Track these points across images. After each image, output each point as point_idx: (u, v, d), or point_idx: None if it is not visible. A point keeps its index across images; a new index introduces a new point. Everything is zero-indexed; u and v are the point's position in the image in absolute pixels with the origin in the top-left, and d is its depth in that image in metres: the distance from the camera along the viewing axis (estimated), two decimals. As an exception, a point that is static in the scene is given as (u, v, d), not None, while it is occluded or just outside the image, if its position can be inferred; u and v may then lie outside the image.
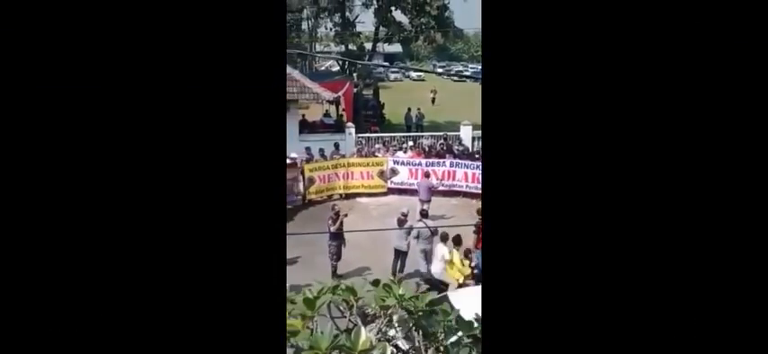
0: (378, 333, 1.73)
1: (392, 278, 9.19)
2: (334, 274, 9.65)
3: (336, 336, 1.47)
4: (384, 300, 1.78)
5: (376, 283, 1.91)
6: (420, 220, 9.98)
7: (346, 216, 10.18)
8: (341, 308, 1.86)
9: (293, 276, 9.63)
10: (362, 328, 1.51)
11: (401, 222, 9.79)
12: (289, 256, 10.07)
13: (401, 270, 9.76)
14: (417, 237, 9.62)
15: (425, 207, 11.40)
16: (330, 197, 14.01)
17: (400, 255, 9.80)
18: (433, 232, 9.62)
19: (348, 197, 14.20)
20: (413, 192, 13.39)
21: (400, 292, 1.80)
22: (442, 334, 1.76)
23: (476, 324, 1.78)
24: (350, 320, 1.81)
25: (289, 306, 1.71)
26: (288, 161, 13.57)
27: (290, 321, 1.61)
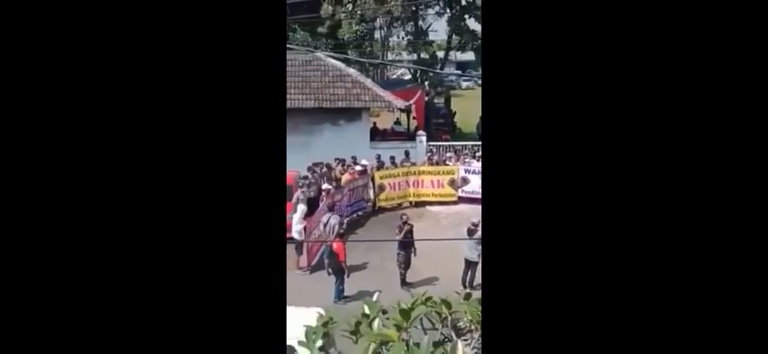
0: (473, 348, 1.69)
1: (462, 288, 9.11)
2: (404, 283, 9.65)
3: (433, 350, 1.46)
4: (479, 315, 1.75)
5: (468, 297, 1.88)
6: (492, 231, 9.80)
7: (412, 226, 10.14)
8: (432, 320, 1.84)
9: (361, 281, 9.73)
10: (459, 342, 1.49)
11: (471, 232, 9.65)
12: (358, 262, 10.18)
13: (471, 281, 9.63)
14: (489, 248, 9.44)
15: (497, 217, 11.20)
16: (400, 204, 14.01)
17: (471, 266, 9.66)
18: (506, 243, 9.42)
19: (418, 205, 14.16)
20: (484, 202, 13.18)
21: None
22: None
23: None
24: (442, 333, 1.79)
25: (382, 316, 1.72)
26: (359, 168, 13.73)
27: (385, 331, 1.61)
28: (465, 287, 9.42)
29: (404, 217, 10.27)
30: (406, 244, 9.77)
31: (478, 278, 9.59)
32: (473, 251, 9.56)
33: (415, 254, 9.85)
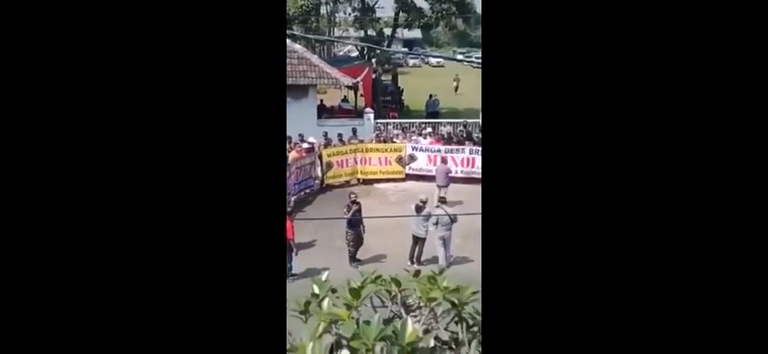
0: (423, 326, 1.72)
1: (409, 264, 9.21)
2: (353, 260, 9.69)
3: (383, 328, 1.47)
4: (429, 292, 1.77)
5: (417, 274, 1.91)
6: (438, 206, 9.96)
7: (360, 204, 10.15)
8: (382, 298, 1.86)
9: (310, 259, 9.68)
10: (409, 320, 1.51)
11: (419, 208, 9.78)
12: (306, 239, 10.13)
13: (419, 257, 9.77)
14: (436, 224, 9.60)
15: (443, 193, 11.37)
16: (348, 182, 14.01)
17: (418, 242, 9.80)
18: (453, 219, 9.59)
19: (366, 182, 14.20)
20: (431, 179, 13.36)
21: (445, 284, 1.79)
22: None
23: None
24: (392, 310, 1.81)
25: (332, 296, 1.72)
26: (306, 145, 13.59)
27: (335, 310, 1.61)
28: (412, 262, 9.56)
29: (352, 196, 10.27)
30: (355, 223, 9.79)
31: (426, 254, 9.76)
32: (420, 227, 9.69)
33: (364, 231, 9.89)
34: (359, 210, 9.91)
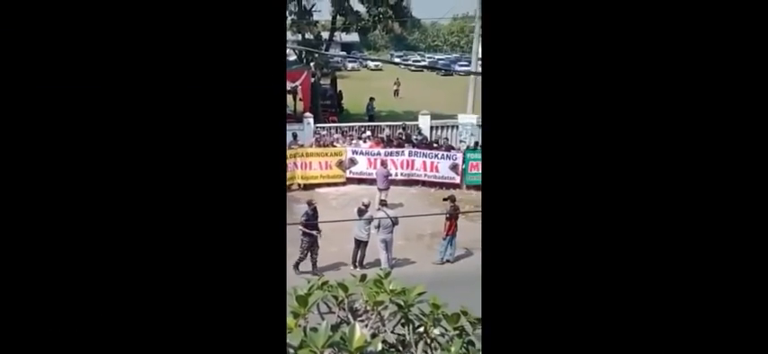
0: (371, 329, 1.73)
1: (352, 267, 9.19)
2: (296, 267, 9.58)
3: (331, 334, 1.47)
4: (376, 296, 1.79)
5: (363, 278, 1.92)
6: (379, 209, 10.01)
7: (317, 213, 10.02)
8: (329, 304, 1.86)
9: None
10: (357, 324, 1.52)
11: (362, 212, 9.80)
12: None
13: (361, 260, 9.79)
14: (378, 227, 9.64)
15: (384, 195, 11.44)
16: (289, 187, 13.88)
17: (360, 245, 9.81)
18: (395, 222, 9.67)
19: (307, 187, 14.11)
20: (371, 182, 13.43)
21: (391, 287, 1.81)
22: (432, 327, 1.78)
23: (462, 318, 1.81)
24: (339, 316, 1.81)
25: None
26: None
27: (282, 319, 1.60)
28: (355, 265, 9.57)
29: (313, 204, 10.08)
30: (312, 229, 9.60)
31: (368, 257, 9.78)
32: (362, 230, 9.71)
33: (321, 236, 9.69)
34: (315, 220, 9.75)
